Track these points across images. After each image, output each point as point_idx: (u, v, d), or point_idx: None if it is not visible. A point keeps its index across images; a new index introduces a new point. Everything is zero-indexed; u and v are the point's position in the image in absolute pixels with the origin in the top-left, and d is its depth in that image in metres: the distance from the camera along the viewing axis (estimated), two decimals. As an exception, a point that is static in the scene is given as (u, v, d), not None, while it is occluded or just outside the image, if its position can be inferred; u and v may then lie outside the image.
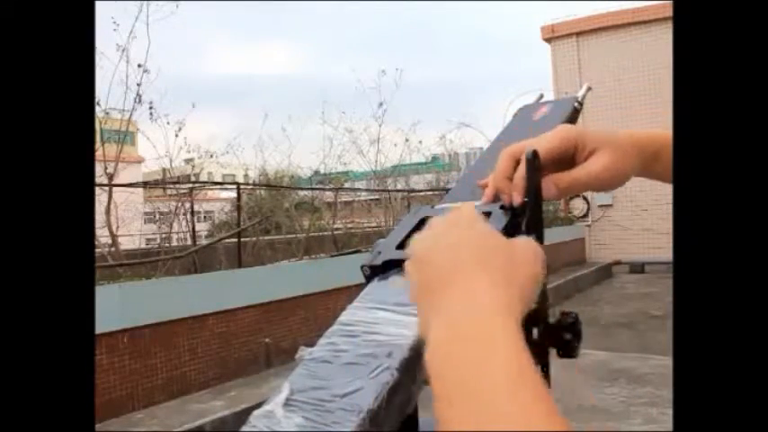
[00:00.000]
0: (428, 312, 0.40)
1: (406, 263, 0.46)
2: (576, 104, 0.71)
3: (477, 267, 0.41)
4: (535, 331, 0.48)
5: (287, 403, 0.42)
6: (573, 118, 0.70)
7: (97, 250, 6.90)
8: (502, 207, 0.55)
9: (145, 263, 6.94)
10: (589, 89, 0.74)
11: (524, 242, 0.46)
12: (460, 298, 0.39)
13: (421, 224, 0.59)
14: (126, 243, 9.20)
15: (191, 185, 9.23)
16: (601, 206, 14.22)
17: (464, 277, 0.41)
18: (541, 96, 0.78)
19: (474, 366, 0.34)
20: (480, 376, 0.34)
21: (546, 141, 0.56)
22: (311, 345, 0.48)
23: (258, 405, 0.43)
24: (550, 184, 0.55)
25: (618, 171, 0.58)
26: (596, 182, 0.57)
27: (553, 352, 0.50)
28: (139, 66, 7.74)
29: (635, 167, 0.60)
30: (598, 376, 5.33)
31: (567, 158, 0.57)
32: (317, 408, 0.41)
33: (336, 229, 10.10)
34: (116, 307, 4.76)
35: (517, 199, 0.53)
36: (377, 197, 12.13)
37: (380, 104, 11.78)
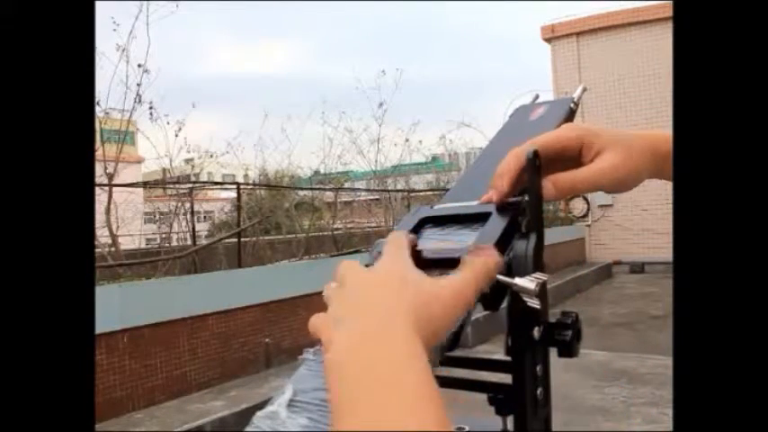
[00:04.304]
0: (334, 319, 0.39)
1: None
2: (571, 105, 0.71)
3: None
4: (536, 331, 0.48)
5: (290, 404, 0.42)
6: (569, 118, 0.70)
7: (97, 250, 6.90)
8: (500, 207, 0.55)
9: (145, 263, 6.94)
10: (584, 90, 0.74)
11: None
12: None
13: (421, 224, 0.59)
14: (126, 243, 9.19)
15: (191, 185, 9.22)
16: (601, 206, 14.22)
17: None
18: (537, 97, 0.78)
19: (384, 378, 0.34)
20: (390, 388, 0.34)
21: (548, 140, 0.55)
22: (312, 345, 0.48)
23: (258, 405, 0.43)
24: (549, 184, 0.54)
25: (630, 170, 0.56)
26: (606, 181, 0.55)
27: (553, 351, 0.50)
28: (139, 66, 7.74)
29: (648, 168, 0.57)
30: (598, 376, 5.33)
31: (573, 158, 0.56)
32: (321, 408, 0.41)
33: (336, 229, 10.09)
34: (116, 307, 4.76)
35: (503, 190, 0.53)
36: (377, 197, 12.13)
37: (380, 104, 11.78)
